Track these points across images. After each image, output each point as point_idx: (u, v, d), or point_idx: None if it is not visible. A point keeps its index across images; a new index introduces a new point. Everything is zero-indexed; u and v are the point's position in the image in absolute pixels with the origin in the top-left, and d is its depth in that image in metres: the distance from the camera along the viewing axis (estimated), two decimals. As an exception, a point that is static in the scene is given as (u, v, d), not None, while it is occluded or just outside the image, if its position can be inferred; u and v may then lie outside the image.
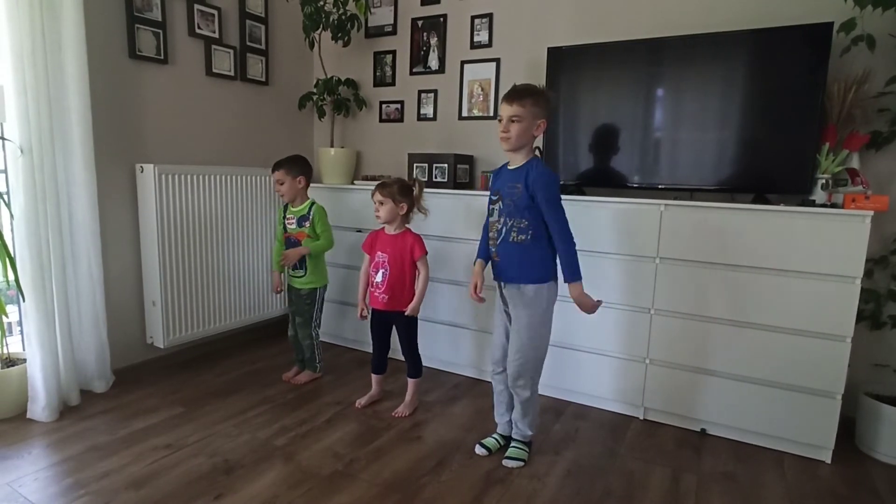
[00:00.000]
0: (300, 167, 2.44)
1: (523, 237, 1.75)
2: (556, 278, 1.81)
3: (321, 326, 2.56)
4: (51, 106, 2.04)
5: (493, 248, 1.84)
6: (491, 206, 1.85)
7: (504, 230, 1.78)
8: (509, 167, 1.81)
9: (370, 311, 2.25)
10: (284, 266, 2.44)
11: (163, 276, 2.45)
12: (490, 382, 2.02)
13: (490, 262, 1.89)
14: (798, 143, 2.03)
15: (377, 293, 2.18)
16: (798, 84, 2.01)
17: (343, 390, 2.44)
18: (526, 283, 1.78)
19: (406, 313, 2.15)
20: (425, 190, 2.22)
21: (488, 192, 1.91)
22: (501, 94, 2.82)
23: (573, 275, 1.73)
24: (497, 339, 1.93)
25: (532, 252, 1.76)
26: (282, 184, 2.41)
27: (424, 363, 2.28)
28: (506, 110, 1.72)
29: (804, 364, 1.93)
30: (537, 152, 1.83)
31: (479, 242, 1.99)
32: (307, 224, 2.42)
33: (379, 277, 2.17)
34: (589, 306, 1.74)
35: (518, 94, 1.71)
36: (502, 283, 1.86)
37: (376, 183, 2.17)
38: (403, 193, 2.12)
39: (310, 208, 2.44)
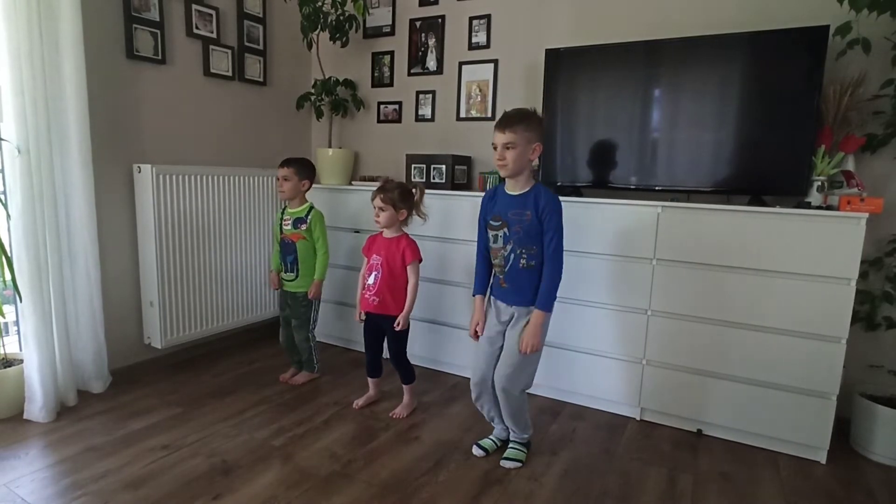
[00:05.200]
0: (308, 171, 2.46)
1: (533, 263, 1.75)
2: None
3: (317, 327, 2.55)
4: (48, 106, 2.03)
5: (499, 275, 1.82)
6: (493, 233, 1.81)
7: (512, 257, 1.77)
8: (508, 191, 1.78)
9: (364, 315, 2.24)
10: (312, 296, 2.45)
11: (160, 276, 2.45)
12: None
13: (491, 287, 1.88)
14: (794, 145, 2.04)
15: (367, 295, 2.17)
16: (794, 86, 2.02)
17: (341, 391, 2.44)
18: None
19: (395, 328, 2.11)
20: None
21: (481, 207, 1.86)
22: (500, 95, 2.85)
23: (549, 303, 1.74)
24: (484, 363, 1.87)
25: (540, 276, 1.75)
26: (287, 180, 2.40)
27: (422, 364, 2.29)
28: (499, 138, 1.71)
29: (799, 365, 1.95)
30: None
31: (475, 274, 1.91)
32: (302, 227, 2.42)
33: (371, 280, 2.16)
34: (537, 343, 1.74)
35: (509, 120, 1.70)
36: (506, 304, 1.82)
37: (376, 185, 2.15)
38: (404, 199, 2.11)
39: (308, 212, 2.44)
